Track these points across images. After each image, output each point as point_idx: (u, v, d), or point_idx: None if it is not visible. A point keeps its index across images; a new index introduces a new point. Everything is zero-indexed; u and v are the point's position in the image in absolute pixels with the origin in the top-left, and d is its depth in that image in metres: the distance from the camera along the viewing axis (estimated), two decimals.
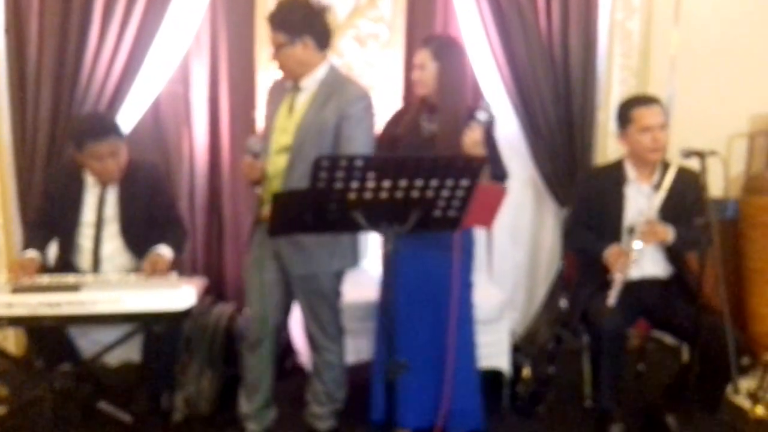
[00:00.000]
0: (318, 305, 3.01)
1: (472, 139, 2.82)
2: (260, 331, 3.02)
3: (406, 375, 2.74)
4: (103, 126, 3.14)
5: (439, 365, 3.04)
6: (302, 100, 2.89)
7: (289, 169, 2.83)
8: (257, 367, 3.07)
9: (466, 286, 3.09)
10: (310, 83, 2.87)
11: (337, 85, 2.90)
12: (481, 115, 2.84)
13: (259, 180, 2.89)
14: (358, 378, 3.27)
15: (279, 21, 2.79)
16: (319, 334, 3.05)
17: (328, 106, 2.84)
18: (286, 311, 3.10)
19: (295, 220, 2.32)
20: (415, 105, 3.14)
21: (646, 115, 3.11)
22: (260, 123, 3.61)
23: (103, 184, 3.19)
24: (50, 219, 3.24)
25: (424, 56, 2.99)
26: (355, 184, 2.15)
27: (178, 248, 3.25)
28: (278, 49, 2.80)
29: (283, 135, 2.86)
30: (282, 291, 3.03)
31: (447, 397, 3.03)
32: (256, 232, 3.02)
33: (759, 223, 3.95)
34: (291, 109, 2.89)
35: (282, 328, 3.19)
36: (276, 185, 2.85)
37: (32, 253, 3.11)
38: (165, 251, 3.15)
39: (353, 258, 3.04)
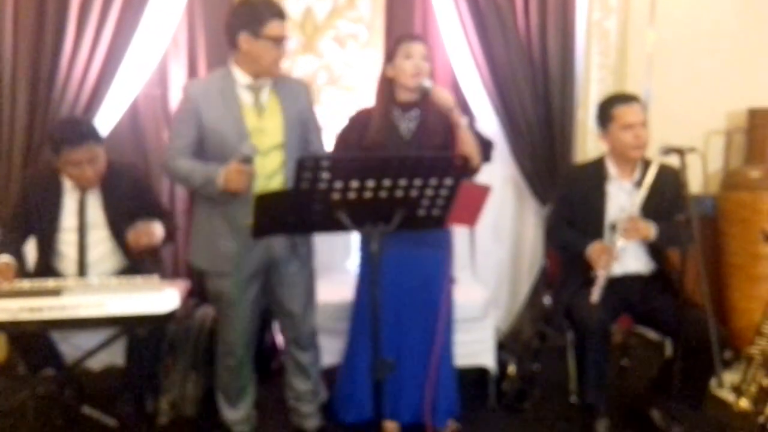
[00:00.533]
0: (311, 302, 3.07)
1: (441, 97, 2.90)
2: (244, 347, 3.01)
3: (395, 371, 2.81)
4: (80, 132, 3.06)
5: (425, 362, 3.05)
6: (266, 97, 2.85)
7: (287, 165, 2.82)
8: (242, 378, 3.07)
9: (446, 282, 3.11)
10: (266, 79, 2.85)
11: (282, 79, 2.94)
12: (426, 82, 2.93)
13: (246, 190, 2.71)
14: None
15: (285, 14, 2.80)
16: (309, 332, 3.08)
17: (295, 98, 2.89)
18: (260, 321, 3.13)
19: (279, 221, 2.31)
20: (381, 108, 3.04)
21: (627, 113, 3.14)
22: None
23: (82, 189, 3.15)
24: (25, 223, 3.18)
25: (424, 50, 2.98)
26: (338, 185, 2.14)
27: (169, 233, 3.24)
28: (285, 42, 2.80)
29: (263, 135, 2.80)
30: (261, 304, 3.06)
31: (430, 393, 3.05)
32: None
33: (737, 219, 4.00)
34: (259, 108, 2.84)
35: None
36: (274, 185, 2.81)
37: (6, 258, 3.03)
38: (156, 225, 3.12)
39: None
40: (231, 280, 2.87)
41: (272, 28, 2.71)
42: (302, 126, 2.92)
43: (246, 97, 2.82)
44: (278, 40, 2.74)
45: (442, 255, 3.08)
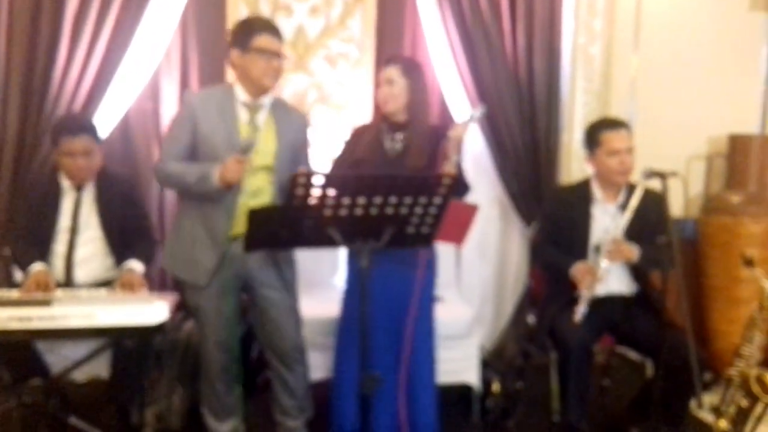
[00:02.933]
0: (296, 318, 3.07)
1: (458, 134, 2.86)
2: (227, 358, 3.03)
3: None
4: (78, 124, 3.22)
5: (396, 379, 3.07)
6: (262, 118, 2.90)
7: (275, 187, 2.87)
8: (228, 391, 3.08)
9: (429, 301, 3.13)
10: (267, 100, 2.91)
11: (282, 104, 3.03)
12: (476, 111, 2.92)
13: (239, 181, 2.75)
14: (325, 392, 3.30)
15: (281, 35, 2.87)
16: (295, 350, 3.08)
17: (292, 125, 2.95)
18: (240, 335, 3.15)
19: (271, 236, 2.35)
20: (374, 125, 3.14)
21: (614, 139, 3.19)
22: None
23: (77, 185, 3.20)
24: (34, 229, 3.22)
25: (392, 73, 3.01)
26: (330, 201, 2.19)
27: (148, 260, 3.28)
28: (282, 60, 2.85)
29: (254, 154, 2.81)
30: (240, 315, 3.08)
31: (402, 410, 3.07)
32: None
33: (718, 243, 4.07)
34: (254, 127, 2.88)
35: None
36: (256, 203, 2.81)
37: (40, 266, 3.07)
38: (136, 266, 3.17)
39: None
40: (205, 291, 2.91)
41: (259, 40, 2.79)
42: (294, 154, 2.96)
43: (243, 115, 2.87)
44: (266, 53, 2.79)
45: (414, 274, 3.04)
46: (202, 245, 2.89)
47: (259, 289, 2.98)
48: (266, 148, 2.87)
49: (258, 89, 2.86)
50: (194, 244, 2.91)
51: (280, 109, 2.96)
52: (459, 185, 3.01)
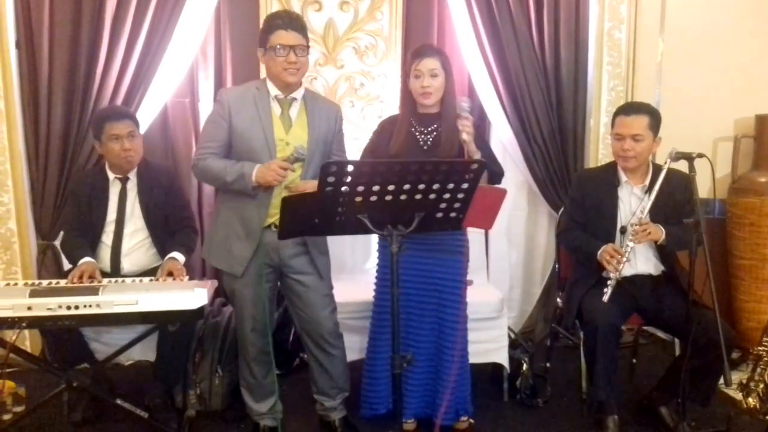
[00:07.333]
0: (330, 304, 3.14)
1: (469, 133, 2.92)
2: (263, 342, 3.10)
3: (409, 369, 2.85)
4: (119, 110, 3.40)
5: (438, 360, 3.15)
6: (295, 112, 2.97)
7: (305, 178, 2.92)
8: (265, 373, 3.16)
9: (460, 285, 3.17)
10: (299, 94, 2.97)
11: (315, 96, 3.09)
12: (465, 103, 2.97)
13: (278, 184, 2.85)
14: (358, 373, 3.38)
15: (303, 25, 2.91)
16: (331, 334, 3.14)
17: (323, 116, 2.99)
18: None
19: (304, 223, 2.41)
20: (404, 119, 3.11)
21: (621, 124, 3.24)
22: None
23: (123, 175, 3.31)
24: (82, 223, 3.33)
25: (435, 64, 3.00)
26: (361, 188, 2.23)
27: (189, 250, 3.38)
28: (303, 52, 2.89)
29: (288, 148, 2.89)
30: (276, 301, 3.17)
31: (449, 393, 3.13)
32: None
33: (745, 223, 4.09)
34: (287, 121, 2.95)
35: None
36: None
37: (88, 259, 3.18)
38: (178, 255, 3.27)
39: None
40: (242, 279, 2.99)
41: (276, 37, 2.84)
42: (326, 146, 3.01)
43: (276, 108, 2.95)
44: (283, 48, 2.84)
45: (458, 260, 3.14)
46: (237, 236, 2.96)
47: (295, 276, 3.05)
48: (297, 141, 2.92)
49: (281, 85, 2.93)
50: (230, 235, 2.99)
51: (311, 101, 3.02)
52: (492, 174, 3.07)
